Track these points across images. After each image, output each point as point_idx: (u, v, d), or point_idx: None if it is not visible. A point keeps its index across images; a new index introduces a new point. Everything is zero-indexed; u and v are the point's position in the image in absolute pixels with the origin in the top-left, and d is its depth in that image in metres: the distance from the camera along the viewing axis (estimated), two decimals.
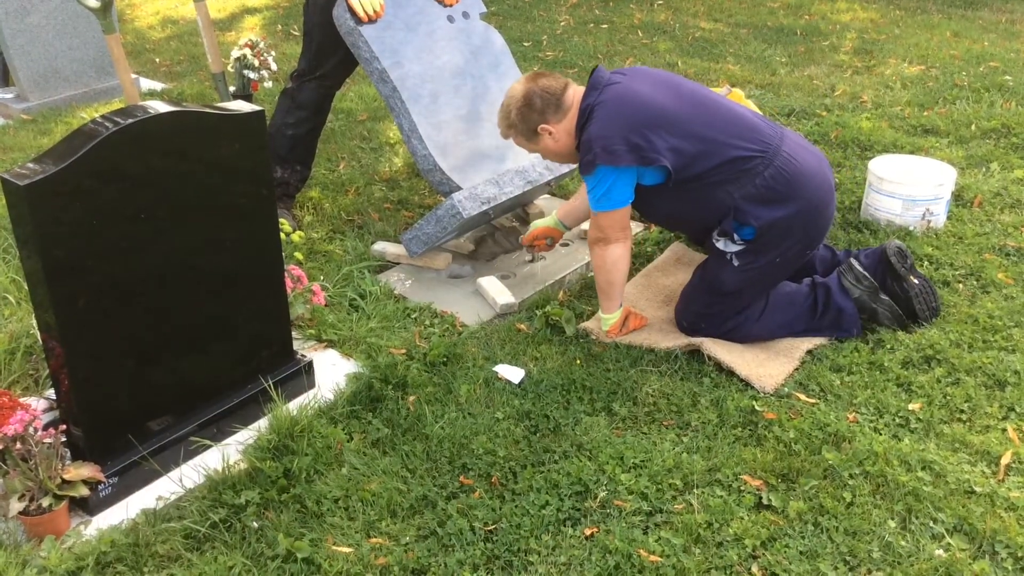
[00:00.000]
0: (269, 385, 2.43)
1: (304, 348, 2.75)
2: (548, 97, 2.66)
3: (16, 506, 2.01)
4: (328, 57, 3.34)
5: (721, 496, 2.17)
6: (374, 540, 2.07)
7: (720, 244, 2.67)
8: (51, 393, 2.41)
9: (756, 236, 2.62)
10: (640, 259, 3.33)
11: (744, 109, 2.71)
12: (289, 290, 2.63)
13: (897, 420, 2.42)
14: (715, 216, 2.64)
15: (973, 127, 4.40)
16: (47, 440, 2.07)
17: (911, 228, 3.37)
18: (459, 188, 3.07)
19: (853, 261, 2.79)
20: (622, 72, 2.72)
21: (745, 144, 2.58)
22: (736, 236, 2.63)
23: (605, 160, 2.55)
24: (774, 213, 2.58)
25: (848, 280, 2.76)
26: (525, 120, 2.69)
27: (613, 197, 2.61)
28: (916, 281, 2.78)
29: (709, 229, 2.70)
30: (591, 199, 2.66)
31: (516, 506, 2.15)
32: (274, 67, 4.15)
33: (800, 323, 2.78)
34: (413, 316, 2.98)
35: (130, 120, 1.96)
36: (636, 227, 3.56)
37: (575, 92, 2.69)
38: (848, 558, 2.00)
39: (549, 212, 3.67)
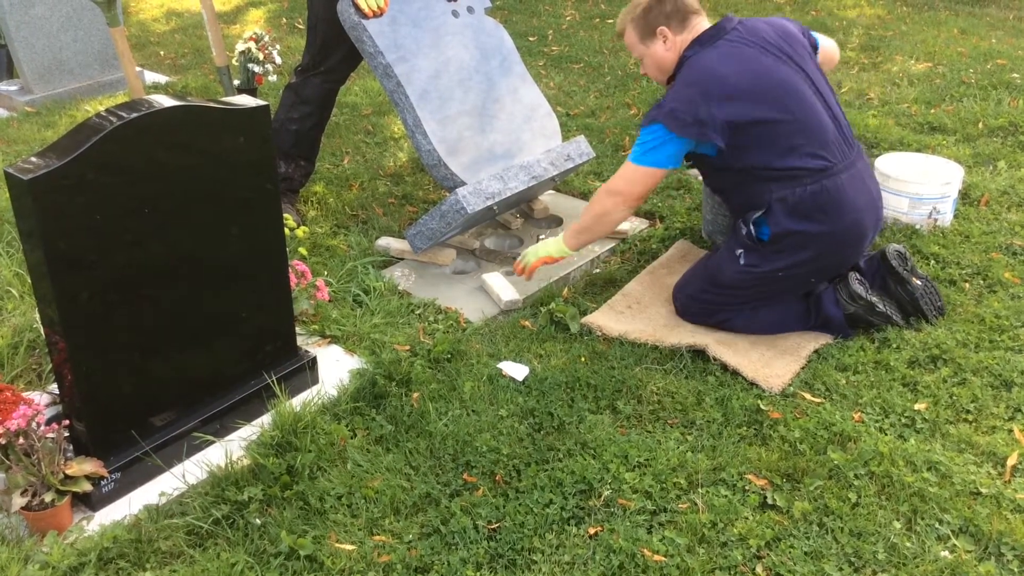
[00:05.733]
0: (272, 381, 2.42)
1: (308, 344, 2.74)
2: (681, 7, 2.71)
3: (18, 501, 2.00)
4: (333, 52, 3.32)
5: (726, 496, 2.16)
6: (377, 538, 2.06)
7: (743, 230, 2.71)
8: (54, 388, 2.41)
9: (769, 240, 2.64)
10: (645, 256, 3.32)
11: (828, 118, 2.68)
12: (293, 285, 2.62)
13: (903, 420, 2.41)
14: (748, 204, 2.69)
15: (980, 125, 4.38)
16: (50, 435, 2.06)
17: (918, 227, 3.35)
18: (463, 183, 3.06)
19: (850, 277, 2.76)
20: (736, 33, 2.69)
21: (808, 155, 2.59)
22: (752, 229, 2.65)
23: (667, 122, 2.58)
24: (794, 225, 2.61)
25: (842, 297, 2.75)
26: (651, 13, 2.73)
27: (657, 156, 2.64)
28: (919, 282, 2.78)
29: (741, 209, 2.74)
30: (635, 147, 2.68)
31: (520, 504, 2.14)
32: (279, 61, 4.13)
33: (789, 326, 2.80)
34: (417, 312, 2.97)
35: (135, 114, 1.95)
36: (641, 224, 3.55)
37: (700, 23, 2.73)
38: (853, 559, 1.99)
39: (554, 208, 3.68)
